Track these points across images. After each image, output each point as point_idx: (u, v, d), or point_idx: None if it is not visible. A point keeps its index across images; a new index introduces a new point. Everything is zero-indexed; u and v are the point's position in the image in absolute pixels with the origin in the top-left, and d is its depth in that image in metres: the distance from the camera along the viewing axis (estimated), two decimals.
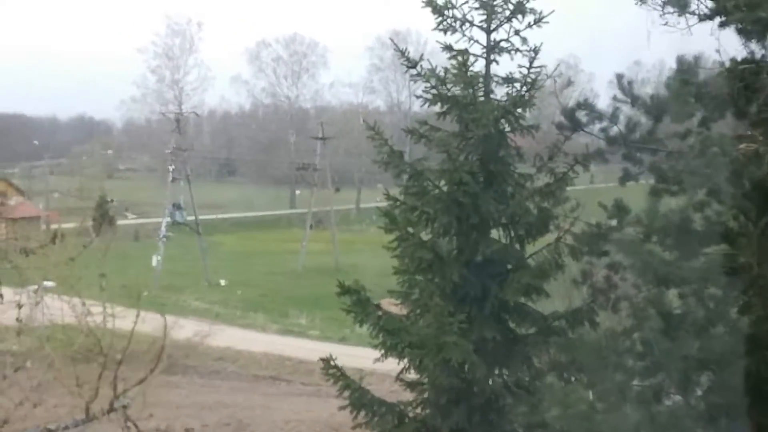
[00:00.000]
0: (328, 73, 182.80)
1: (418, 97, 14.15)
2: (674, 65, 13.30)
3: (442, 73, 13.58)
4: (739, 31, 12.50)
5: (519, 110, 13.65)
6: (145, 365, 15.41)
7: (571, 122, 14.01)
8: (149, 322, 16.32)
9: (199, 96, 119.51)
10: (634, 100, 13.82)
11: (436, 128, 13.80)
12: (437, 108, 13.74)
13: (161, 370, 15.19)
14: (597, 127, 14.15)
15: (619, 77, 13.86)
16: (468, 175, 13.16)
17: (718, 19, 12.68)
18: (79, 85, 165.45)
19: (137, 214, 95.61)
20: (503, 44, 13.63)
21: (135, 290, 15.90)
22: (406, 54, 13.73)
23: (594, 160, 14.04)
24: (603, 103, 14.29)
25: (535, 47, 13.51)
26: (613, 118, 14.04)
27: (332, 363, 14.25)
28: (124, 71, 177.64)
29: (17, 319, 14.84)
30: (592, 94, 15.11)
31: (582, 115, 14.11)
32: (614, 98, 13.84)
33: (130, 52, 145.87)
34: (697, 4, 12.97)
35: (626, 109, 14.19)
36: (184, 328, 31.34)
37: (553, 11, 13.43)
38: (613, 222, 13.92)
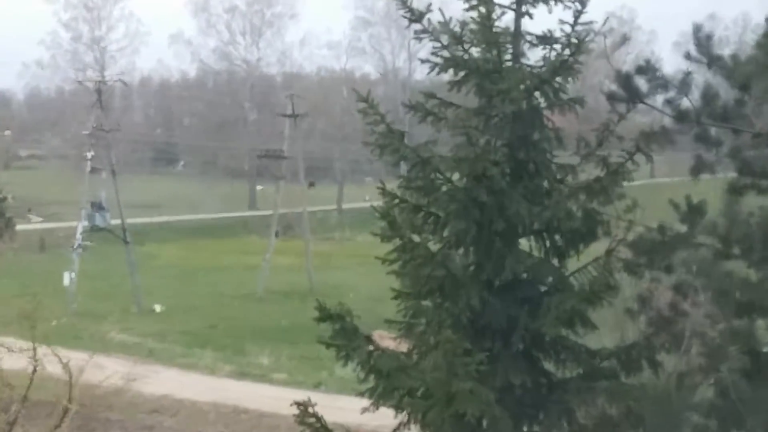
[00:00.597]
0: (299, 29, 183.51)
1: (423, 61, 14.16)
2: (763, 20, 13.36)
3: (457, 30, 13.58)
4: None
5: (559, 79, 13.66)
6: (48, 421, 15.38)
7: (628, 91, 14.05)
8: (58, 362, 16.26)
9: (127, 59, 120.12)
10: (713, 61, 13.83)
11: (447, 103, 13.81)
12: (449, 75, 13.74)
13: (71, 427, 15.15)
14: (661, 98, 14.19)
15: (696, 29, 13.87)
16: (492, 166, 13.16)
17: None
18: None
19: (44, 217, 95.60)
20: None
21: (37, 318, 15.90)
22: (407, 3, 13.73)
23: (657, 143, 14.06)
24: (668, 71, 14.33)
25: None
26: (683, 86, 14.07)
27: (310, 410, 14.25)
28: (28, 27, 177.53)
29: None
30: (653, 58, 15.10)
31: (642, 83, 14.15)
32: (687, 56, 13.84)
33: (36, 1, 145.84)
34: None
35: (700, 76, 14.24)
36: (106, 369, 31.26)
37: None
38: (683, 227, 13.97)
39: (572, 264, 13.91)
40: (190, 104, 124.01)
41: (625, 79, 14.28)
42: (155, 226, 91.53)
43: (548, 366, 14.15)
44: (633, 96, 14.10)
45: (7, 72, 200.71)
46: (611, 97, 14.20)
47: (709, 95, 14.17)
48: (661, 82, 14.19)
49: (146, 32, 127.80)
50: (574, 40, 13.51)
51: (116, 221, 68.43)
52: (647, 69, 14.27)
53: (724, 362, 13.73)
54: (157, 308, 61.27)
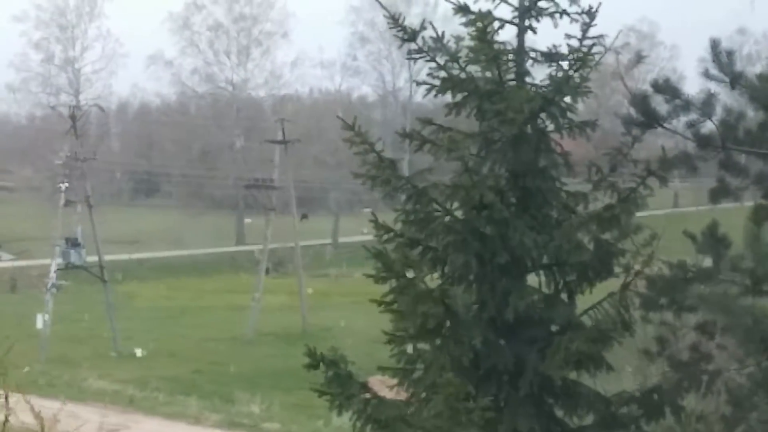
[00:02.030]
0: (290, 48, 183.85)
1: (419, 83, 14.18)
2: None
3: (453, 46, 13.61)
4: None
5: (566, 99, 13.67)
6: None
7: (645, 114, 14.04)
8: (30, 411, 16.25)
9: (104, 82, 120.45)
10: (735, 80, 13.82)
11: (445, 128, 13.81)
12: (448, 98, 13.77)
13: None
14: (682, 121, 14.18)
15: (714, 45, 13.87)
16: (493, 195, 13.15)
17: None
18: None
19: (15, 254, 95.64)
20: (543, 4, 13.69)
21: (8, 364, 15.86)
22: (399, 20, 13.75)
23: (676, 168, 14.05)
24: (692, 90, 14.31)
25: (591, 8, 13.56)
26: (706, 107, 14.05)
27: None
28: None
29: None
30: (675, 76, 15.08)
31: (661, 104, 14.15)
32: (706, 74, 13.84)
33: (4, 20, 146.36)
34: None
35: (725, 95, 14.22)
36: (81, 419, 31.19)
37: None
38: (707, 261, 13.94)
39: (584, 301, 13.89)
40: (172, 130, 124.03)
41: (641, 101, 14.26)
42: (135, 263, 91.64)
43: (560, 413, 14.09)
44: (650, 119, 14.09)
45: None
46: (627, 121, 14.19)
47: (733, 118, 14.15)
48: (681, 104, 14.16)
49: (124, 53, 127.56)
50: (581, 56, 13.52)
51: (93, 258, 68.43)
52: (666, 89, 14.25)
53: (753, 411, 13.68)
54: (138, 352, 61.21)
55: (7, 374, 16.01)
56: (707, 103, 14.07)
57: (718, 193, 14.28)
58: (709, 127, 14.25)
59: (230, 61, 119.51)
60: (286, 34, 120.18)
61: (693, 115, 14.21)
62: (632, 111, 14.35)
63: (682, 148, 14.53)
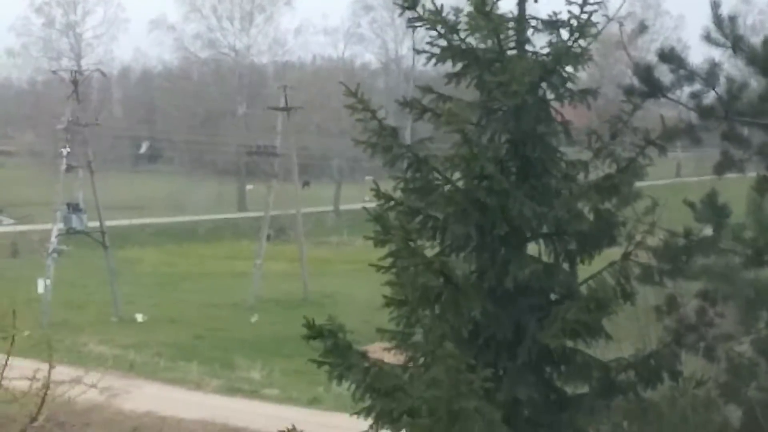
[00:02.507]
0: (294, 15, 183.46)
1: (418, 52, 14.15)
2: None
3: (452, 18, 13.59)
4: None
5: (567, 68, 13.64)
6: None
7: (648, 84, 13.97)
8: (28, 374, 16.33)
9: (105, 47, 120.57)
10: (737, 44, 13.73)
11: (445, 97, 13.79)
12: (449, 67, 13.74)
13: None
14: (686, 91, 14.12)
15: (715, 6, 13.77)
16: (493, 165, 13.13)
17: None
18: None
19: (16, 219, 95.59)
20: None
21: (7, 327, 15.98)
22: None
23: (679, 139, 14.01)
24: (696, 61, 14.21)
25: None
26: (710, 77, 13.98)
27: None
28: None
29: None
30: (680, 46, 15.00)
31: (664, 74, 14.08)
32: (707, 38, 13.74)
33: None
34: None
35: (729, 66, 14.15)
36: (83, 384, 31.26)
37: None
38: (706, 230, 13.93)
39: (584, 271, 13.90)
40: (174, 96, 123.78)
41: (644, 71, 14.19)
42: (136, 228, 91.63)
43: (559, 381, 14.11)
44: (654, 90, 14.02)
45: None
46: (629, 92, 14.13)
47: (736, 88, 14.07)
48: (686, 74, 14.09)
49: (125, 18, 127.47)
50: (582, 23, 13.47)
51: (94, 223, 68.51)
52: (672, 58, 14.17)
53: (753, 380, 13.69)
54: (139, 318, 61.38)
55: (8, 338, 16.14)
56: (711, 73, 14.01)
57: (723, 166, 14.24)
58: (712, 97, 14.18)
59: (233, 27, 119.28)
60: (290, 1, 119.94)
61: (696, 86, 14.14)
62: (635, 81, 14.28)
63: (685, 119, 14.47)
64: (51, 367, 16.43)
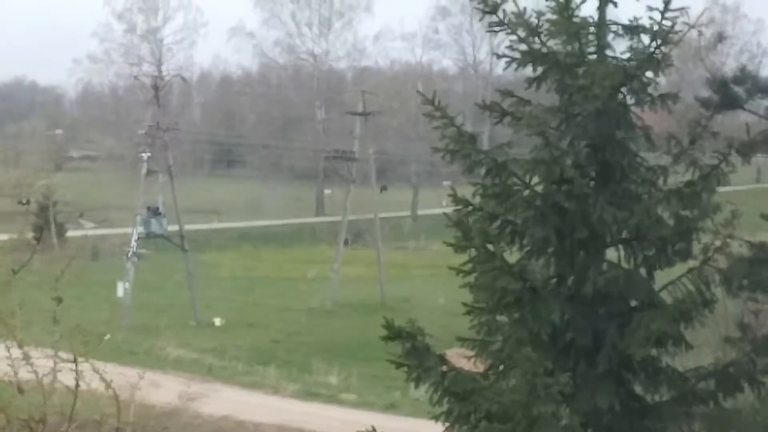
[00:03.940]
0: (373, 21, 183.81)
1: (499, 56, 14.17)
2: None
3: (534, 20, 13.59)
4: None
5: (648, 74, 13.60)
6: None
7: (725, 98, 13.91)
8: (113, 378, 16.52)
9: (185, 52, 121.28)
10: None
11: (526, 101, 13.80)
12: (529, 71, 13.74)
13: None
14: (763, 103, 14.04)
15: None
16: (573, 169, 13.13)
17: None
18: (16, 36, 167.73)
19: (97, 222, 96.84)
20: None
21: (91, 331, 16.18)
22: None
23: (759, 150, 13.91)
24: None
25: None
26: None
27: None
28: (80, 18, 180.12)
29: None
30: (759, 51, 14.86)
31: (741, 89, 14.01)
32: None
33: None
34: None
35: None
36: (162, 387, 31.54)
37: None
38: None
39: (662, 277, 13.81)
40: (253, 101, 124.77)
41: (721, 85, 14.14)
42: (215, 232, 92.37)
43: (639, 389, 14.05)
44: (730, 102, 13.96)
45: (59, 67, 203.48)
46: (706, 104, 14.06)
47: None
48: (762, 87, 14.02)
49: (205, 23, 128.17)
50: (664, 29, 13.43)
51: (174, 227, 69.10)
52: (743, 80, 14.13)
53: None
54: (217, 322, 61.76)
55: (89, 342, 16.32)
56: None
57: None
58: None
59: (312, 33, 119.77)
60: (369, 7, 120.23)
61: None
62: (713, 94, 14.21)
63: (765, 125, 14.37)
64: (140, 376, 16.68)
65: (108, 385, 15.20)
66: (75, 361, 14.93)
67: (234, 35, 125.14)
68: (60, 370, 15.23)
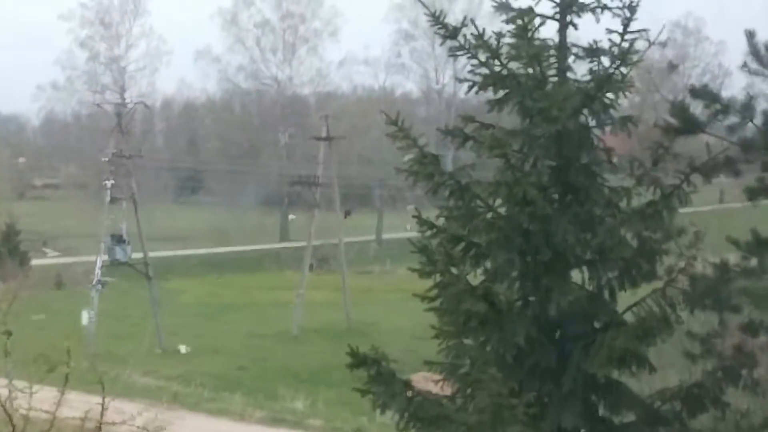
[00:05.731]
0: (338, 47, 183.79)
1: (460, 80, 14.22)
2: None
3: (494, 43, 13.63)
4: None
5: (609, 95, 13.67)
6: None
7: (683, 122, 13.97)
8: (76, 406, 16.41)
9: (148, 79, 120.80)
10: None
11: (488, 125, 13.84)
12: (490, 94, 13.79)
13: None
14: (723, 124, 14.10)
15: (750, 36, 13.78)
16: (535, 191, 13.16)
17: None
18: None
19: (60, 251, 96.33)
20: None
21: (54, 359, 16.05)
22: (440, 17, 13.79)
23: (721, 172, 13.97)
24: (739, 86, 14.21)
25: (632, 2, 13.56)
26: (746, 110, 13.96)
27: None
28: (43, 46, 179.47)
29: None
30: (721, 72, 14.98)
31: (700, 109, 14.07)
32: (745, 67, 13.75)
33: (50, 18, 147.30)
34: None
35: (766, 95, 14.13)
36: (127, 415, 31.36)
37: None
38: (752, 261, 13.88)
39: (625, 299, 13.85)
40: (217, 127, 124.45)
41: (679, 109, 14.21)
42: (180, 259, 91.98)
43: (604, 410, 14.08)
44: (690, 126, 14.03)
45: (21, 95, 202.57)
46: (667, 130, 14.13)
47: None
48: (720, 108, 14.09)
49: (169, 50, 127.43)
50: (623, 50, 13.50)
51: (138, 255, 68.82)
52: (704, 94, 14.19)
53: None
54: (182, 349, 61.50)
55: (54, 370, 16.22)
56: (747, 107, 14.00)
57: (757, 192, 14.22)
58: (751, 129, 14.16)
59: (275, 59, 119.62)
60: (335, 33, 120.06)
61: (733, 119, 14.13)
62: (670, 118, 14.28)
63: (725, 145, 14.45)
64: (104, 405, 16.60)
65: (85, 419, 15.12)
66: (62, 392, 14.87)
67: (200, 58, 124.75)
68: (16, 398, 15.12)
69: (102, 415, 15.84)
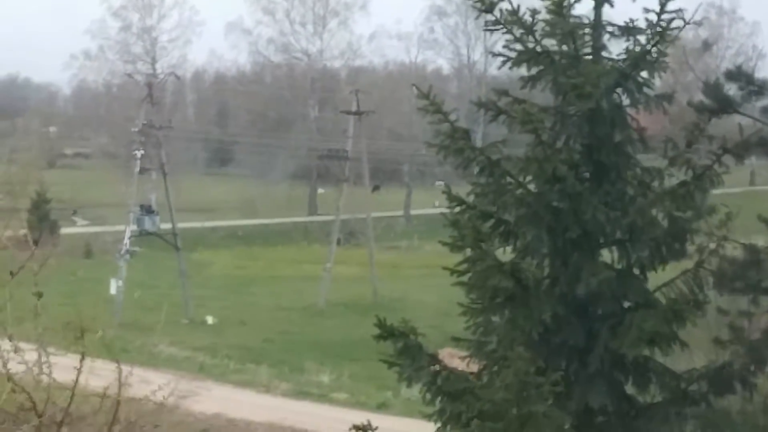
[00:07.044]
0: (368, 20, 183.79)
1: (494, 55, 14.16)
2: None
3: (529, 19, 13.57)
4: None
5: (643, 74, 13.59)
6: None
7: (717, 101, 13.88)
8: (104, 375, 16.46)
9: (180, 50, 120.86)
10: None
11: (521, 100, 13.79)
12: (524, 71, 13.73)
13: None
14: (756, 105, 14.02)
15: None
16: (566, 168, 13.12)
17: None
18: (11, 33, 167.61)
19: (90, 220, 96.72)
20: None
21: (83, 327, 16.08)
22: None
23: (753, 153, 13.87)
24: None
25: None
26: None
27: None
28: (74, 15, 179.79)
29: None
30: (755, 54, 14.88)
31: (735, 90, 13.99)
32: None
33: None
34: None
35: None
36: (153, 385, 31.52)
37: None
38: None
39: (655, 278, 13.80)
40: (247, 100, 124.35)
41: (713, 89, 14.12)
42: (208, 231, 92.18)
43: (631, 389, 14.05)
44: (724, 106, 13.93)
45: (52, 64, 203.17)
46: (699, 109, 14.04)
47: None
48: (755, 89, 14.00)
49: (200, 21, 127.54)
50: (659, 30, 13.42)
51: (166, 225, 68.99)
52: (738, 76, 14.09)
53: None
54: (209, 320, 61.67)
55: (82, 338, 16.25)
56: None
57: None
58: None
59: (306, 31, 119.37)
60: (365, 6, 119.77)
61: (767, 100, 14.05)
62: (704, 98, 14.18)
63: (760, 127, 14.36)
64: (120, 381, 16.61)
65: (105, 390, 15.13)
66: (81, 359, 14.89)
67: (231, 30, 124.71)
68: (46, 363, 15.18)
69: (119, 389, 15.87)
